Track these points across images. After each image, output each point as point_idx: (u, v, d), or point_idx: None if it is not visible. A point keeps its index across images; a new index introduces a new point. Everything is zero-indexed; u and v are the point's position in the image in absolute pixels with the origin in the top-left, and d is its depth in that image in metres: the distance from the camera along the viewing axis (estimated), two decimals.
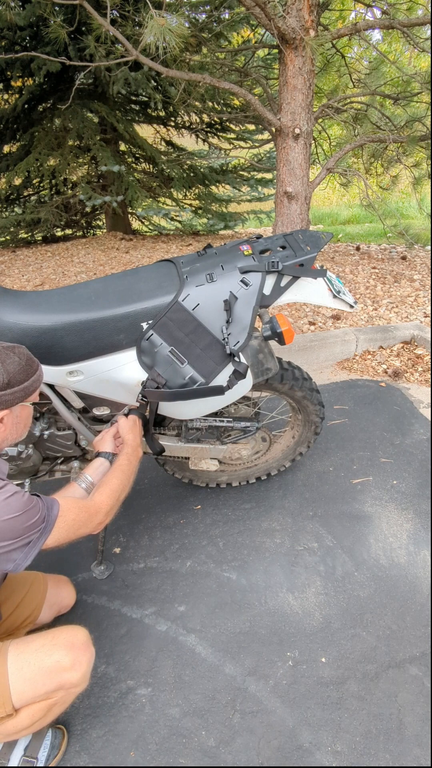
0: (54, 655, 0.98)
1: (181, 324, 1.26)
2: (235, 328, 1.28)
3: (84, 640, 1.04)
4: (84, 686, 1.04)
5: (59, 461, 1.53)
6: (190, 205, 6.78)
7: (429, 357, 2.80)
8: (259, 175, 6.68)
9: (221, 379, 1.32)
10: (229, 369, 1.31)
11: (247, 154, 6.48)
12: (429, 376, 2.68)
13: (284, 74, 3.35)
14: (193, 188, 6.42)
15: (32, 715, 0.99)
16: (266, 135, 6.11)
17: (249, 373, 1.36)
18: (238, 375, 1.29)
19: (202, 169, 6.21)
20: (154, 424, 1.61)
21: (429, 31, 4.62)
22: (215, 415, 1.60)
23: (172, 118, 6.33)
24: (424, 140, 4.02)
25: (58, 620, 1.41)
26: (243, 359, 1.33)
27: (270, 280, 1.32)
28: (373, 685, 1.27)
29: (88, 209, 6.73)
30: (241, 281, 1.27)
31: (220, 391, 1.30)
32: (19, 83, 5.55)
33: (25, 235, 6.61)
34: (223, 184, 6.60)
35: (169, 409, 1.39)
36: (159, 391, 1.29)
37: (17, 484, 1.46)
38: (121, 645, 1.37)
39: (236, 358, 1.29)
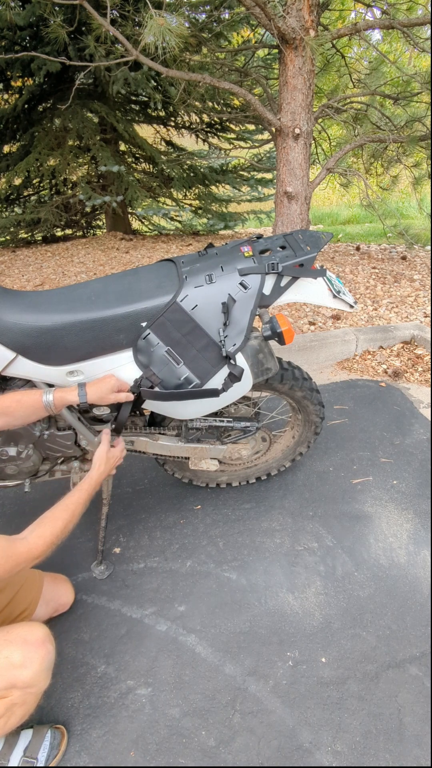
0: (4, 651, 0.96)
1: (178, 324, 1.26)
2: (232, 330, 1.28)
3: (39, 636, 1.00)
4: (42, 686, 1.00)
5: (59, 461, 1.53)
6: (190, 205, 6.78)
7: (429, 357, 2.80)
8: (259, 175, 6.68)
9: (216, 381, 1.32)
10: (225, 371, 1.31)
11: (247, 154, 6.48)
12: (429, 376, 2.68)
13: (284, 74, 3.35)
14: (193, 188, 6.43)
15: None
16: (266, 135, 6.11)
17: (249, 374, 1.36)
18: (233, 378, 1.28)
19: (202, 169, 6.21)
20: (153, 424, 1.61)
21: (429, 31, 4.63)
22: (215, 415, 1.60)
23: (172, 118, 6.33)
24: (424, 140, 4.02)
25: (57, 620, 1.42)
26: (242, 360, 1.33)
27: (270, 280, 1.32)
28: (373, 685, 1.27)
29: (88, 209, 6.73)
30: (240, 284, 1.27)
31: (214, 393, 1.30)
32: (19, 83, 5.55)
33: (25, 235, 6.61)
34: (223, 184, 6.60)
35: (169, 409, 1.39)
36: (153, 390, 1.28)
37: (17, 484, 1.47)
38: (121, 645, 1.37)
39: (232, 361, 1.28)
